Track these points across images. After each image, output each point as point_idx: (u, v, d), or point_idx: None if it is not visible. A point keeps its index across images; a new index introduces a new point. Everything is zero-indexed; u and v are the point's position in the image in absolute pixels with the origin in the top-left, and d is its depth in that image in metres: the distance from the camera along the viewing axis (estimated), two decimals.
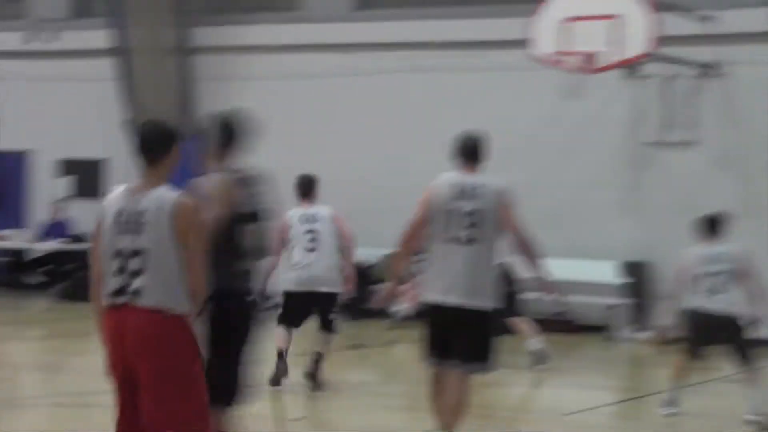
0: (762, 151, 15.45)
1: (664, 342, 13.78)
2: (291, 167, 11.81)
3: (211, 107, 17.94)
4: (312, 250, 9.86)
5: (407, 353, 12.90)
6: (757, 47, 15.67)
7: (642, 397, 12.54)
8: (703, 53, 15.53)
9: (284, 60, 18.56)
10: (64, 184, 19.80)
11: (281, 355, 9.94)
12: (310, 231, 9.93)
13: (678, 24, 14.89)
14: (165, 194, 4.88)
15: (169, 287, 5.00)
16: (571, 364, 13.34)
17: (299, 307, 9.74)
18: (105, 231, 5.06)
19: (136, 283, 4.94)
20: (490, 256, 7.07)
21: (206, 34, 19.14)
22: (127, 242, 4.96)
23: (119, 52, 18.61)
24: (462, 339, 7.10)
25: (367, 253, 16.27)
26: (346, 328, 12.35)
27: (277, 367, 9.86)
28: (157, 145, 5.06)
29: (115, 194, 5.06)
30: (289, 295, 9.73)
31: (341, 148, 18.31)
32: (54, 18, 20.65)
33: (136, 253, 4.95)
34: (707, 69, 15.56)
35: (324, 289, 9.81)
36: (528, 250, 6.90)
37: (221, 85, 18.41)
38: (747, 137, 15.60)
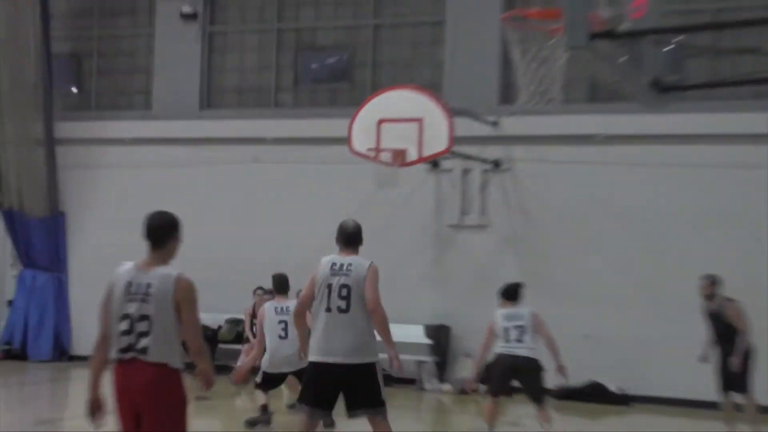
0: (541, 232, 16.26)
1: (464, 392, 15.20)
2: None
3: (74, 192, 18.73)
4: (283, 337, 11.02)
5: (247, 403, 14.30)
6: (534, 147, 16.69)
7: None
8: (492, 152, 16.54)
9: (138, 151, 18.84)
10: None
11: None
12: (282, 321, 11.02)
13: (471, 127, 15.71)
14: (169, 271, 5.76)
15: (169, 346, 5.81)
16: (390, 412, 14.08)
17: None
18: (114, 298, 5.81)
19: (143, 342, 5.73)
20: (365, 320, 7.65)
21: (70, 128, 19.29)
22: (134, 308, 5.73)
23: None
24: (355, 390, 7.83)
25: (214, 318, 17.33)
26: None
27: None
28: (162, 231, 5.92)
29: (124, 269, 5.87)
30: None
31: (190, 230, 19.55)
32: None
33: (143, 317, 5.73)
34: (495, 164, 16.62)
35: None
36: (377, 320, 7.50)
37: (83, 172, 19.10)
38: (528, 221, 16.56)
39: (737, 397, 11.89)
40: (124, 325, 5.78)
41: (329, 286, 7.36)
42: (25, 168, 19.11)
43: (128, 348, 5.75)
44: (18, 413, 14.27)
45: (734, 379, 11.85)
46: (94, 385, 5.84)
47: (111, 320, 5.85)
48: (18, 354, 18.75)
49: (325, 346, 7.57)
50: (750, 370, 11.86)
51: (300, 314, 7.68)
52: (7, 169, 19.01)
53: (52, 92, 19.45)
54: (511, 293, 10.81)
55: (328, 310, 7.44)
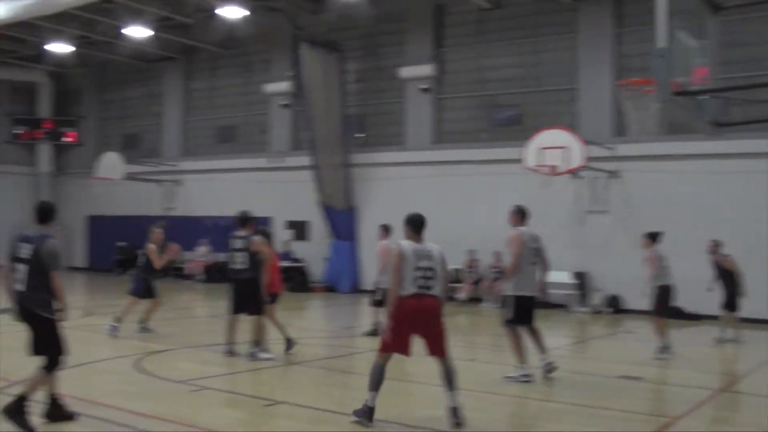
0: (639, 215, 18.48)
1: (597, 312, 18.27)
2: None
3: (361, 195, 23.15)
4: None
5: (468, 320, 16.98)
6: (637, 163, 19.23)
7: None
8: (609, 166, 19.42)
9: (396, 171, 22.77)
10: (289, 234, 24.51)
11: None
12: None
13: (596, 151, 18.57)
14: (432, 245, 7.39)
15: (441, 286, 7.36)
16: (550, 325, 15.22)
17: None
18: (408, 258, 7.24)
19: (430, 283, 7.29)
20: None
21: (358, 157, 23.33)
22: (424, 263, 7.32)
23: (314, 166, 22.85)
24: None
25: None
26: None
27: None
28: (423, 223, 7.49)
29: (406, 243, 7.40)
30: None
31: (432, 218, 23.37)
32: (282, 149, 25.25)
33: (429, 269, 7.31)
34: (611, 174, 19.46)
35: None
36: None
37: (365, 183, 23.28)
38: (632, 208, 19.13)
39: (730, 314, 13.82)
40: (419, 273, 7.27)
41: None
42: (334, 181, 22.85)
43: (423, 287, 7.26)
44: (338, 322, 17.73)
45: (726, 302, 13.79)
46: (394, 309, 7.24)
47: (406, 271, 7.27)
48: (331, 288, 22.98)
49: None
50: (736, 295, 13.71)
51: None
52: (324, 182, 22.69)
53: (347, 136, 23.26)
54: (654, 237, 12.07)
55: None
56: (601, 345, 15.05)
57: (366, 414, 7.22)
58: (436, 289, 7.39)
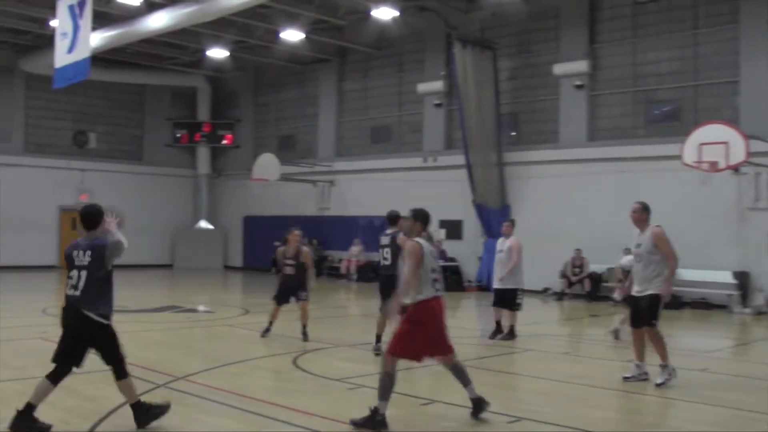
0: None
1: (760, 313, 18.21)
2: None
3: (514, 193, 23.81)
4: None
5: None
6: None
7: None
8: None
9: (549, 168, 23.32)
10: (442, 233, 25.34)
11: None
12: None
13: (759, 145, 18.59)
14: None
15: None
16: (709, 327, 16.72)
17: None
18: (426, 257, 7.45)
19: (441, 284, 7.61)
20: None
21: (511, 156, 23.91)
22: (435, 264, 7.60)
23: (468, 165, 23.44)
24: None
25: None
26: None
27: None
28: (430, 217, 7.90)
29: (424, 243, 7.57)
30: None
31: (577, 212, 22.16)
32: (435, 148, 26.07)
33: (438, 270, 7.61)
34: None
35: None
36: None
37: (518, 182, 23.83)
38: None
39: None
40: (435, 275, 7.55)
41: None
42: (487, 180, 23.49)
43: (439, 289, 7.56)
44: (492, 322, 16.55)
45: None
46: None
47: (424, 272, 7.44)
48: (485, 287, 22.92)
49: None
50: None
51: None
52: (478, 181, 23.35)
53: (500, 135, 23.83)
54: None
55: None
56: (765, 347, 15.15)
57: (380, 424, 7.20)
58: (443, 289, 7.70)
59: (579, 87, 22.98)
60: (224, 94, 34.78)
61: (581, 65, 22.95)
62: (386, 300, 11.23)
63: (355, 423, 7.25)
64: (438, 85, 25.81)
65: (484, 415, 7.69)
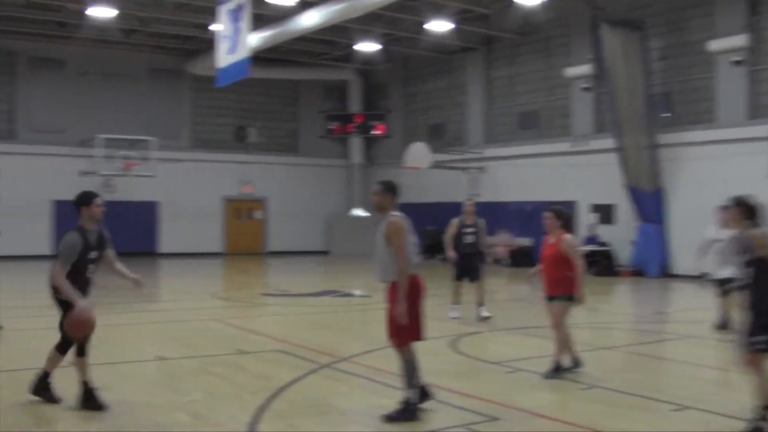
0: None
1: None
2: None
3: (668, 176, 22.97)
4: None
5: None
6: None
7: None
8: None
9: (703, 150, 22.46)
10: (593, 217, 25.12)
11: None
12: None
13: None
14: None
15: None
16: None
17: None
18: (407, 231, 7.08)
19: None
20: None
21: (664, 138, 23.13)
22: (413, 239, 7.18)
23: (619, 148, 23.18)
24: None
25: None
26: None
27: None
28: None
29: (403, 217, 7.16)
30: None
31: (737, 194, 23.31)
32: (585, 132, 25.74)
33: (414, 245, 7.21)
34: None
35: None
36: None
37: (672, 164, 23.09)
38: None
39: None
40: (414, 249, 7.26)
41: None
42: (640, 162, 23.00)
43: (417, 264, 7.25)
44: (647, 307, 18.00)
45: None
46: None
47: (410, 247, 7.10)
48: (639, 272, 23.14)
49: None
50: None
51: None
52: (630, 164, 22.99)
53: (652, 116, 23.14)
54: None
55: None
56: None
57: (414, 414, 7.06)
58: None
59: (738, 63, 21.96)
60: (374, 86, 35.38)
61: (740, 39, 21.86)
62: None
63: (389, 417, 7.05)
64: (585, 69, 25.35)
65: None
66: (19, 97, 30.13)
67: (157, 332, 12.42)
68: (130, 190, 30.36)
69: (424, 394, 7.30)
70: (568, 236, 9.04)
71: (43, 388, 7.49)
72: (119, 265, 7.74)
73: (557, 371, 8.89)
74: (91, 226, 7.46)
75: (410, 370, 7.15)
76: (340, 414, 7.53)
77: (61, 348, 7.43)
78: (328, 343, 11.26)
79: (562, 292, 8.94)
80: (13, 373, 8.70)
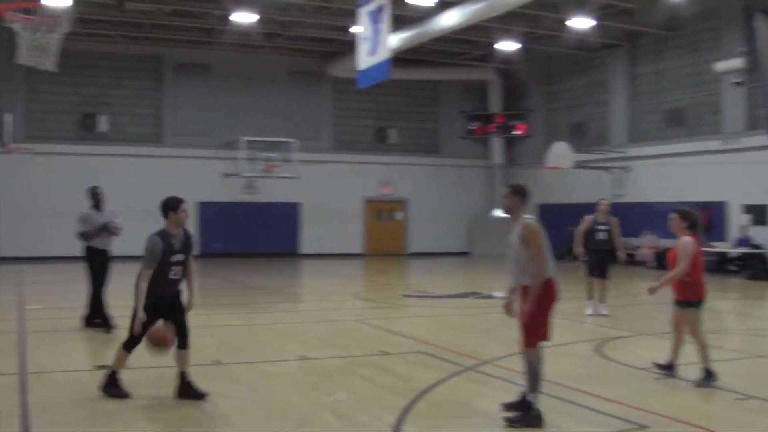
0: None
1: None
2: None
3: None
4: None
5: None
6: None
7: None
8: None
9: None
10: (746, 218, 24.29)
11: None
12: None
13: None
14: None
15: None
16: None
17: None
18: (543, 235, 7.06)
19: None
20: None
21: None
22: (547, 242, 7.15)
23: None
24: None
25: None
26: None
27: None
28: None
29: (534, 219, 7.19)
30: None
31: None
32: (736, 130, 25.03)
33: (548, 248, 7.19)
34: None
35: None
36: None
37: None
38: None
39: None
40: (549, 253, 7.23)
41: None
42: None
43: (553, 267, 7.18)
44: None
45: None
46: None
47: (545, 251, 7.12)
48: None
49: None
50: None
51: None
52: None
53: None
54: None
55: None
56: None
57: (536, 419, 6.95)
58: None
59: None
60: (514, 85, 35.04)
61: None
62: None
63: (510, 421, 6.99)
64: (737, 63, 24.10)
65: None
66: (165, 102, 31.30)
67: (300, 332, 12.70)
68: (273, 191, 31.16)
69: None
70: (685, 239, 8.80)
71: (111, 385, 7.82)
72: (193, 276, 8.07)
73: (708, 378, 8.59)
74: (175, 231, 7.87)
75: (534, 373, 7.10)
76: (484, 416, 7.53)
77: (128, 346, 7.82)
78: (471, 346, 11.27)
79: (688, 296, 8.82)
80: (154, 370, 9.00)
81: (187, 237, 7.90)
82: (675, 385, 8.75)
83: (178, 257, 7.76)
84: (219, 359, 8.50)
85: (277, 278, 22.86)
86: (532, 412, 7.03)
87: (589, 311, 14.33)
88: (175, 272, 7.75)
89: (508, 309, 7.44)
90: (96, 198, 12.44)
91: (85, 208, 12.50)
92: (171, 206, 7.83)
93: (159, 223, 7.86)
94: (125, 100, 30.75)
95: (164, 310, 7.77)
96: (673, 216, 8.93)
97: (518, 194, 7.36)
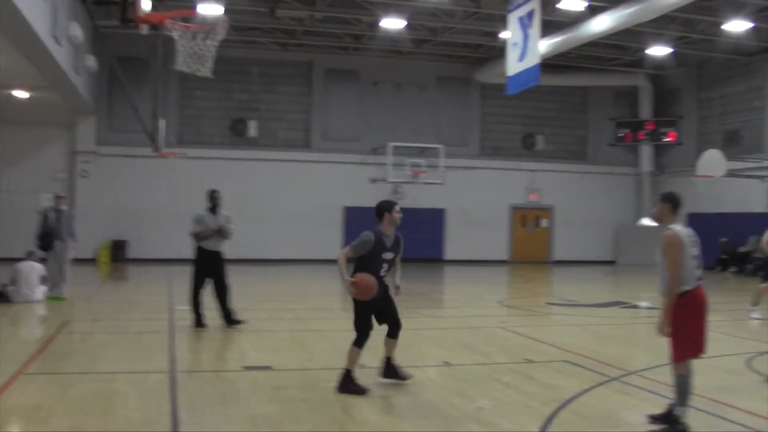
0: None
1: None
2: None
3: None
4: None
5: None
6: None
7: None
8: None
9: None
10: None
11: None
12: None
13: None
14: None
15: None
16: None
17: None
18: (686, 248, 6.91)
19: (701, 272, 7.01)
20: None
21: None
22: (696, 252, 6.99)
23: None
24: None
25: None
26: None
27: None
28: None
29: (682, 230, 6.99)
30: None
31: None
32: None
33: (698, 257, 6.99)
34: None
35: None
36: None
37: None
38: None
39: None
40: (695, 263, 7.01)
41: None
42: None
43: (701, 277, 7.06)
44: None
45: None
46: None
47: (687, 261, 6.91)
48: None
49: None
50: None
51: None
52: None
53: None
54: None
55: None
56: None
57: None
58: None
59: None
60: (666, 92, 34.18)
61: None
62: None
63: None
64: None
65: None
66: (314, 108, 31.98)
67: (444, 338, 12.79)
68: (418, 197, 31.49)
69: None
70: None
71: (348, 383, 8.28)
72: (398, 267, 8.64)
73: None
74: (389, 231, 8.44)
75: (683, 387, 6.97)
76: (631, 428, 7.43)
77: (358, 342, 8.31)
78: (616, 356, 11.12)
79: None
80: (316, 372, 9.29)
81: (398, 238, 8.45)
82: None
83: (389, 255, 8.33)
84: (363, 362, 8.71)
85: (422, 283, 23.01)
86: (678, 426, 6.92)
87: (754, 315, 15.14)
88: (384, 269, 8.32)
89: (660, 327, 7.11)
90: (213, 201, 12.95)
91: (201, 209, 13.01)
92: (386, 208, 8.47)
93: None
94: (275, 105, 31.68)
95: (378, 309, 8.41)
96: None
97: (667, 201, 7.24)
